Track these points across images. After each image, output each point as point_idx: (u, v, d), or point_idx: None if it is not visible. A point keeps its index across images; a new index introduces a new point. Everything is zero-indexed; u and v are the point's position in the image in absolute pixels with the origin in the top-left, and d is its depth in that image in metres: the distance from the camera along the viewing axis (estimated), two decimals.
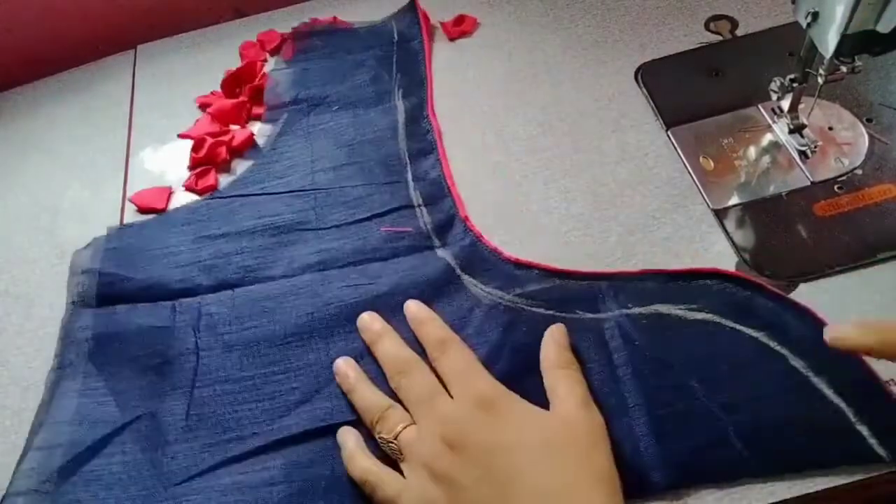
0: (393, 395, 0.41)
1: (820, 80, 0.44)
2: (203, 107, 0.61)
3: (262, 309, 0.46)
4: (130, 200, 0.56)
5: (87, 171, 0.59)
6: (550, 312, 0.44)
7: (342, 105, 0.58)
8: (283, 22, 0.67)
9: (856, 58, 0.43)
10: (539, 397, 0.39)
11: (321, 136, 0.56)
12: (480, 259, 0.47)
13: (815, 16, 0.42)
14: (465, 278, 0.46)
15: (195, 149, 0.57)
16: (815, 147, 0.49)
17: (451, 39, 0.62)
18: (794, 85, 0.48)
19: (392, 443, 0.39)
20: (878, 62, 0.52)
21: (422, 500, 0.36)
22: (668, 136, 0.52)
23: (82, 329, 0.47)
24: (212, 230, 0.51)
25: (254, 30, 0.67)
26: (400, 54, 0.61)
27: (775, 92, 0.49)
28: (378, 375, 0.43)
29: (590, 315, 0.43)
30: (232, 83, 0.62)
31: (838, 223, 0.46)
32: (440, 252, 0.48)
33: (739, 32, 0.58)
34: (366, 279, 0.47)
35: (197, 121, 0.60)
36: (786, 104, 0.50)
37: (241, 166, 0.57)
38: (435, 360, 0.41)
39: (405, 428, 0.39)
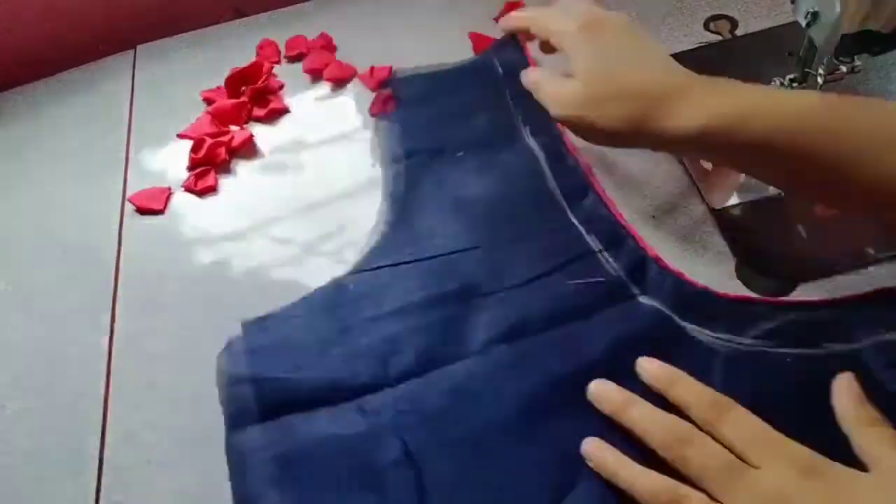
0: (664, 472, 0.35)
1: (819, 80, 0.44)
2: (207, 101, 0.61)
3: (465, 395, 0.40)
4: (129, 200, 0.56)
5: (87, 171, 0.59)
6: (798, 351, 0.39)
7: (466, 151, 0.52)
8: (284, 22, 0.67)
9: (855, 57, 0.43)
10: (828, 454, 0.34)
11: (455, 187, 0.50)
12: (694, 302, 0.42)
13: (815, 16, 0.42)
14: (689, 327, 0.41)
15: (194, 149, 0.57)
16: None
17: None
18: (794, 85, 0.48)
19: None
20: (878, 62, 0.52)
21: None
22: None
23: (256, 451, 0.39)
24: (369, 311, 0.44)
25: (254, 30, 0.67)
26: (512, 90, 0.55)
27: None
28: (631, 452, 0.36)
29: (840, 346, 0.39)
30: (236, 82, 0.61)
31: (838, 223, 0.46)
32: (644, 300, 0.43)
33: (739, 32, 0.58)
34: (573, 343, 0.41)
35: (196, 121, 0.60)
36: None
37: (241, 167, 0.57)
38: (712, 425, 0.35)
39: None
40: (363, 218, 0.52)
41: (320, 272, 0.49)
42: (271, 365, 0.43)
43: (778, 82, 0.49)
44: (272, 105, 0.60)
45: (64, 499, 0.42)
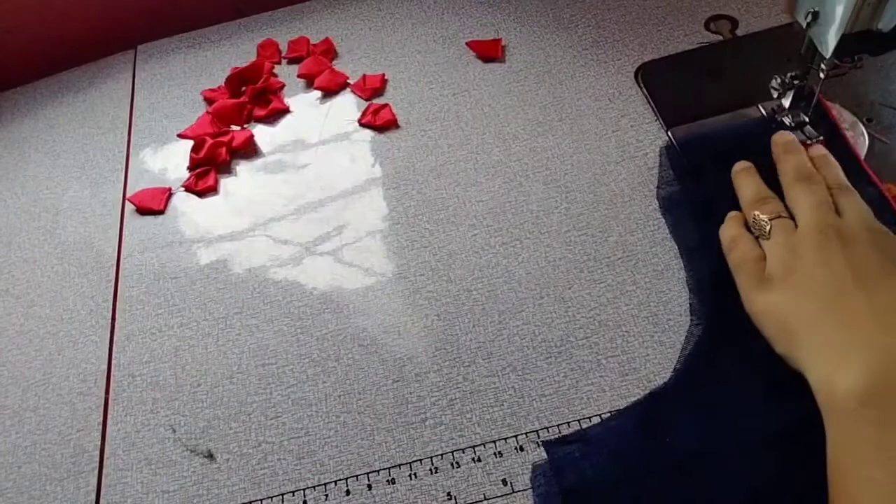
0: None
1: (821, 75, 0.44)
2: (208, 100, 0.61)
3: None
4: (129, 200, 0.56)
5: (87, 171, 0.59)
6: None
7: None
8: (284, 22, 0.67)
9: (856, 57, 0.43)
10: None
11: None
12: None
13: (815, 15, 0.42)
14: None
15: (195, 149, 0.57)
16: (817, 142, 0.49)
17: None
18: (795, 83, 0.48)
19: (764, 220, 0.42)
20: (878, 62, 0.52)
21: (779, 262, 0.40)
22: (668, 135, 0.52)
23: None
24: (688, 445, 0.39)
25: (254, 30, 0.67)
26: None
27: (776, 90, 0.49)
28: None
29: None
30: (237, 81, 0.62)
31: None
32: None
33: (739, 32, 0.58)
34: None
35: (196, 120, 0.60)
36: (786, 102, 0.50)
37: (241, 167, 0.57)
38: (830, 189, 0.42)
39: (783, 217, 0.41)
40: (363, 218, 0.52)
41: (320, 272, 0.50)
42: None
43: (778, 80, 0.49)
44: (273, 105, 0.60)
45: (64, 499, 0.42)
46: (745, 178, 0.46)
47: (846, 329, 0.35)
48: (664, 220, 0.48)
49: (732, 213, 0.45)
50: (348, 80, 0.61)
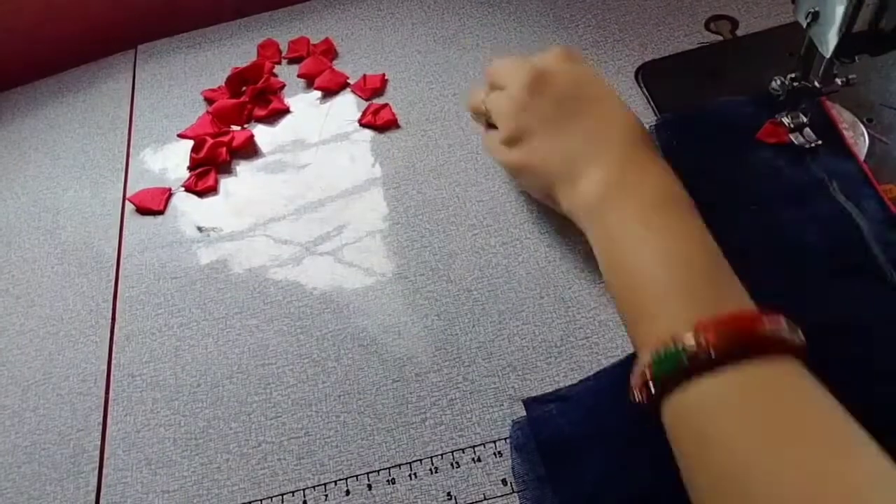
0: None
1: (817, 84, 0.45)
2: (208, 100, 0.61)
3: None
4: (129, 200, 0.56)
5: (87, 171, 0.59)
6: None
7: (760, 206, 0.47)
8: (284, 22, 0.67)
9: (856, 57, 0.43)
10: None
11: (759, 240, 0.45)
12: None
13: (815, 16, 0.42)
14: None
15: (195, 149, 0.57)
16: (816, 146, 0.49)
17: None
18: (795, 84, 0.48)
19: (481, 103, 0.46)
20: (878, 62, 0.52)
21: (511, 128, 0.43)
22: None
23: None
24: None
25: (254, 30, 0.67)
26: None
27: (776, 91, 0.49)
28: None
29: None
30: (236, 82, 0.62)
31: None
32: None
33: (739, 32, 0.58)
34: None
35: (197, 120, 0.60)
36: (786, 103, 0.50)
37: (241, 167, 0.57)
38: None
39: (493, 91, 0.46)
40: (363, 218, 0.52)
41: (320, 272, 0.50)
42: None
43: (779, 81, 0.49)
44: (273, 105, 0.60)
45: (64, 499, 0.42)
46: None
47: (576, 155, 0.41)
48: None
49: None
50: (348, 80, 0.61)
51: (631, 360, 0.42)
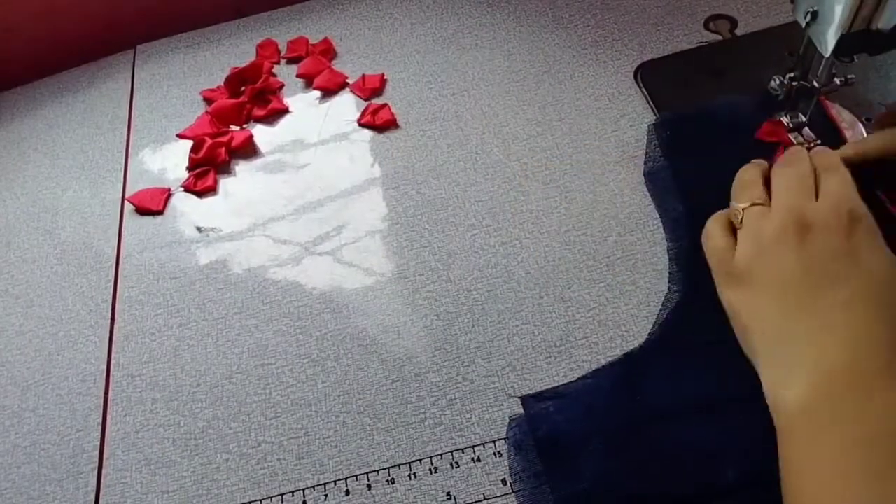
0: None
1: (816, 84, 0.45)
2: (207, 100, 0.61)
3: None
4: (128, 201, 0.56)
5: (87, 171, 0.59)
6: None
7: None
8: (283, 22, 0.67)
9: (855, 57, 0.43)
10: None
11: None
12: None
13: (815, 15, 0.42)
14: None
15: (194, 149, 0.57)
16: (815, 146, 0.49)
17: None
18: (794, 84, 0.48)
19: (738, 209, 0.39)
20: (877, 61, 0.52)
21: (743, 254, 0.37)
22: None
23: None
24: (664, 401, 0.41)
25: (253, 30, 0.67)
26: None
27: (775, 90, 0.49)
28: None
29: None
30: (236, 82, 0.61)
31: None
32: None
33: (739, 32, 0.58)
34: None
35: (196, 120, 0.60)
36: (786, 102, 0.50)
37: (241, 167, 0.57)
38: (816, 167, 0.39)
39: (758, 206, 0.38)
40: (363, 218, 0.52)
41: (320, 272, 0.50)
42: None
43: (778, 80, 0.49)
44: (272, 105, 0.60)
45: (64, 499, 0.42)
46: (743, 169, 0.42)
47: (790, 340, 0.34)
48: (649, 193, 0.49)
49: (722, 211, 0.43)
50: (347, 80, 0.61)
51: (629, 359, 0.42)
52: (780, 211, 0.37)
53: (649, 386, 0.41)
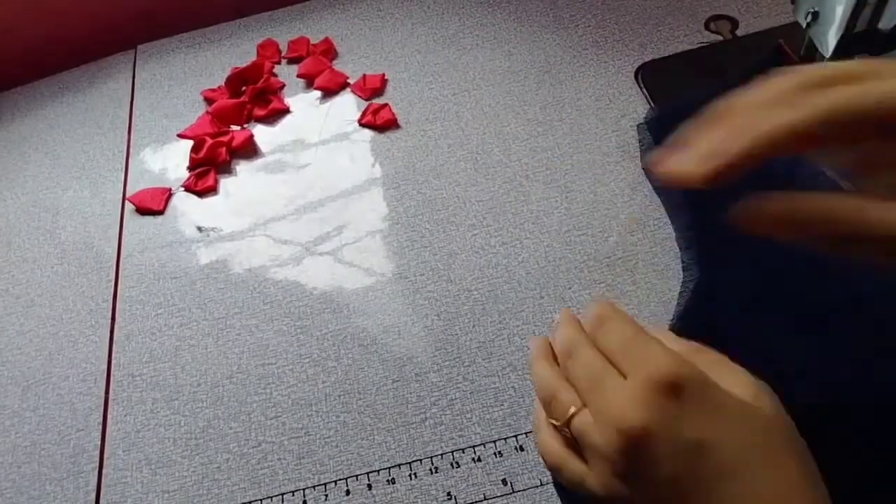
0: None
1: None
2: (208, 100, 0.61)
3: None
4: (128, 200, 0.56)
5: (87, 171, 0.59)
6: None
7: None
8: (284, 22, 0.67)
9: (856, 57, 0.43)
10: None
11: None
12: None
13: (815, 15, 0.42)
14: None
15: (195, 149, 0.57)
16: None
17: None
18: None
19: (564, 430, 0.32)
20: None
21: (606, 490, 0.30)
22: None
23: None
24: None
25: (253, 30, 0.67)
26: None
27: None
28: None
29: None
30: (236, 82, 0.61)
31: None
32: None
33: (739, 32, 0.58)
34: None
35: (196, 120, 0.60)
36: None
37: (241, 167, 0.57)
38: (593, 335, 0.33)
39: (576, 412, 0.31)
40: (363, 218, 0.52)
41: (320, 272, 0.50)
42: None
43: None
44: (273, 105, 0.60)
45: (64, 499, 0.42)
46: (533, 359, 0.35)
47: None
48: (649, 183, 0.50)
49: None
50: (348, 80, 0.61)
51: None
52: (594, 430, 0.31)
53: None
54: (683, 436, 0.28)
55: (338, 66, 0.62)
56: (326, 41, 0.64)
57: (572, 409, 0.31)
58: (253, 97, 0.60)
